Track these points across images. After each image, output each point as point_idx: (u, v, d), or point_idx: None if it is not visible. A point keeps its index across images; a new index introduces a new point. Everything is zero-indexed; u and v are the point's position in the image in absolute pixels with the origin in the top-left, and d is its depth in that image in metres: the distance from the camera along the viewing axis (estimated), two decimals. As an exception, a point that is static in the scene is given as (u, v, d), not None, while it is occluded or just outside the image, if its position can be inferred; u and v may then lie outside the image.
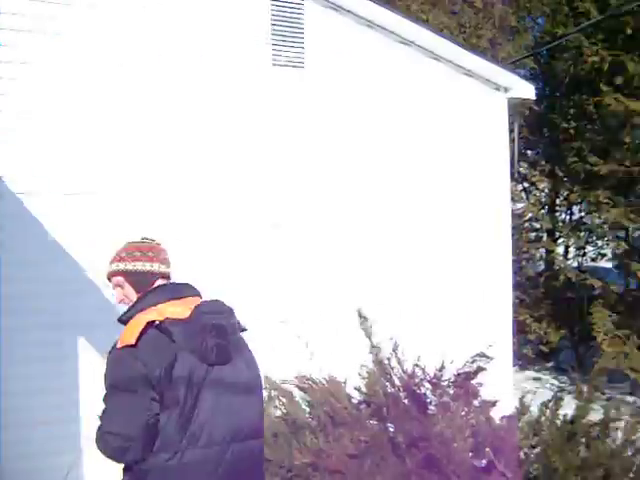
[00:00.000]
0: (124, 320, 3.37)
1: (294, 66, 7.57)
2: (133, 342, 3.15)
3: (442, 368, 5.22)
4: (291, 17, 7.54)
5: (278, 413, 5.65)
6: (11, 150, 6.18)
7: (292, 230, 7.45)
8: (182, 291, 3.51)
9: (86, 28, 6.54)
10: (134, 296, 3.52)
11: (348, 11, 7.74)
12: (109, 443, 3.13)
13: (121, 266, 3.54)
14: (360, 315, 5.71)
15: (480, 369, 5.12)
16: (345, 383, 5.58)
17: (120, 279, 3.55)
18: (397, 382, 5.23)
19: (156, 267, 3.59)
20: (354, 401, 5.38)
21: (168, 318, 3.27)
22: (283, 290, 7.33)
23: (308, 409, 5.53)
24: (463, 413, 4.90)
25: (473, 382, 5.19)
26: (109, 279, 3.62)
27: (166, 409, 3.13)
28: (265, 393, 5.92)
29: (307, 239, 7.54)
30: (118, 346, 3.18)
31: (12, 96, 6.23)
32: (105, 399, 3.19)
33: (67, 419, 6.13)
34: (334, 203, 7.72)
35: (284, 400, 5.67)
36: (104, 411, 3.19)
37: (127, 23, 6.73)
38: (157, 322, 3.25)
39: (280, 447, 5.09)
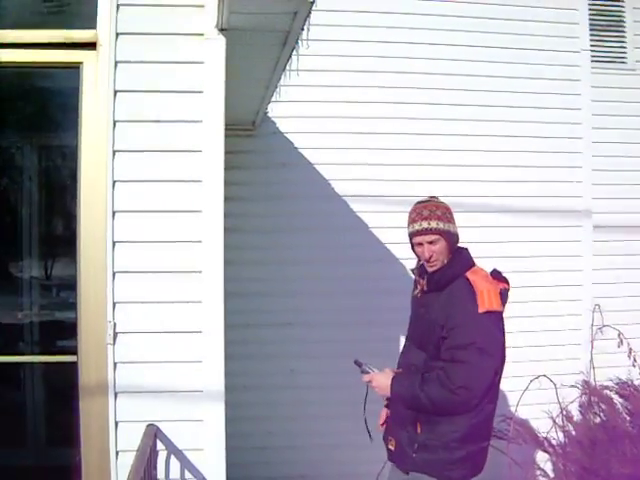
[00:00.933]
0: (443, 281, 3.68)
1: (615, 61, 7.32)
2: (502, 309, 3.64)
3: None
4: (610, 10, 7.30)
5: (597, 420, 5.51)
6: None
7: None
8: None
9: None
10: (445, 256, 3.73)
11: (671, -1, 7.35)
12: (460, 396, 3.46)
13: (441, 225, 3.68)
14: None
15: None
16: (669, 391, 5.34)
17: (436, 237, 3.68)
18: None
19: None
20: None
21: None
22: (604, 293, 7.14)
23: (628, 417, 5.35)
24: None
25: None
26: (418, 234, 3.72)
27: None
28: (584, 398, 5.82)
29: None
30: (482, 310, 3.51)
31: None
32: (462, 356, 3.48)
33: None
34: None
35: (604, 406, 5.52)
36: (458, 367, 3.48)
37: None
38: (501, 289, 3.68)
39: (597, 455, 4.97)
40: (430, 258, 3.70)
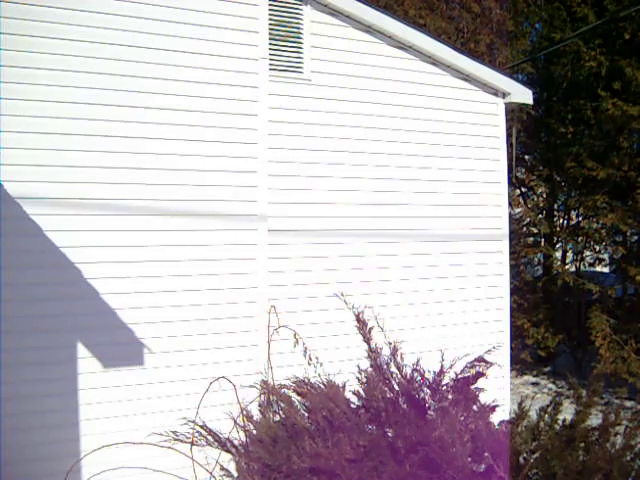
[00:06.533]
0: None
1: (292, 71, 7.56)
2: None
3: (441, 373, 5.19)
4: (289, 21, 7.53)
5: (277, 418, 5.63)
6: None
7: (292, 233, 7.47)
8: None
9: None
10: None
11: (347, 16, 7.74)
12: None
13: None
14: (358, 319, 5.68)
15: (479, 374, 5.10)
16: (344, 388, 5.55)
17: None
18: (396, 387, 5.19)
19: None
20: (353, 406, 5.35)
21: None
22: (281, 295, 7.34)
23: (307, 414, 5.50)
24: (462, 418, 4.88)
25: (473, 387, 5.17)
26: None
27: None
28: (263, 398, 5.93)
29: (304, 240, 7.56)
30: None
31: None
32: None
33: (65, 424, 6.15)
34: (337, 203, 7.75)
35: (283, 405, 5.64)
36: None
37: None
38: None
39: (278, 452, 5.06)
40: None
